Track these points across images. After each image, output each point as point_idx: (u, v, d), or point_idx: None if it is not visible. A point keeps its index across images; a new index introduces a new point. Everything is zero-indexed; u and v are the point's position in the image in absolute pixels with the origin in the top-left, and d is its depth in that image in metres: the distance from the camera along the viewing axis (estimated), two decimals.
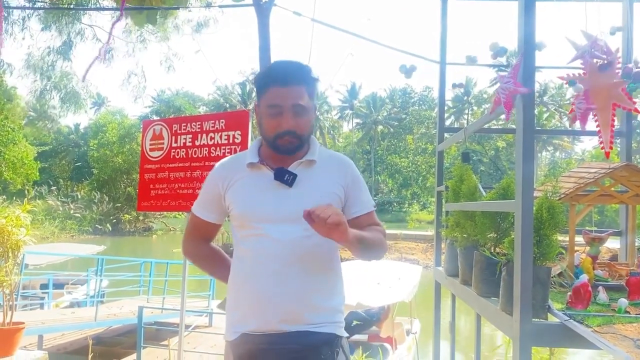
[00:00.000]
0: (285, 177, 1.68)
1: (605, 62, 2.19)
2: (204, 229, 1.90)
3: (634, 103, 2.20)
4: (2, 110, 31.24)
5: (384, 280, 7.47)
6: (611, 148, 2.18)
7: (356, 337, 7.42)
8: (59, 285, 10.74)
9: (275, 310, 1.63)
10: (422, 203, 53.04)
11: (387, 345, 7.30)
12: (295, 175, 1.68)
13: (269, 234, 1.66)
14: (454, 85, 3.16)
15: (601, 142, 2.18)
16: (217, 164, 1.86)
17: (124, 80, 14.10)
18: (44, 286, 10.77)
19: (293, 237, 1.65)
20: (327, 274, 1.72)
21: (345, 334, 1.76)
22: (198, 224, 1.89)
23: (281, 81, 1.65)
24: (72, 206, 38.57)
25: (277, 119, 1.66)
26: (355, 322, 7.37)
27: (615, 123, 2.21)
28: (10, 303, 5.51)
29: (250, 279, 1.68)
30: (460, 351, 8.86)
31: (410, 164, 56.48)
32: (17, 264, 5.55)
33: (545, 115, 48.25)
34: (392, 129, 59.90)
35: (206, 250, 1.94)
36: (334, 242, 1.58)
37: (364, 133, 61.62)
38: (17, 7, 11.72)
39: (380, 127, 60.67)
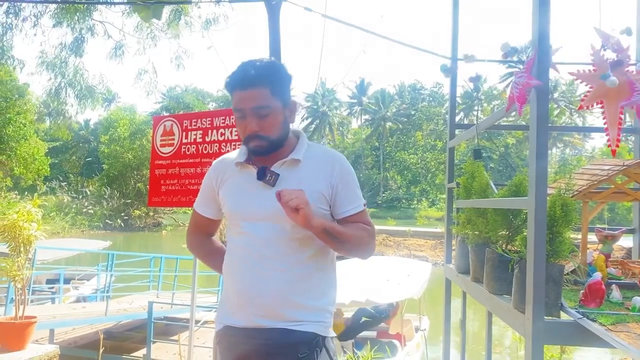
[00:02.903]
0: (267, 177, 1.68)
1: (616, 59, 2.17)
2: (203, 224, 1.95)
3: None
4: (14, 106, 31.47)
5: (393, 277, 7.46)
6: (617, 146, 2.17)
7: (365, 333, 7.42)
8: (65, 280, 10.81)
9: (254, 306, 1.66)
10: (431, 200, 52.87)
11: (395, 341, 7.29)
12: (277, 175, 1.68)
13: (251, 233, 1.69)
14: (471, 79, 3.13)
15: (608, 140, 2.17)
16: (214, 161, 1.91)
17: (136, 76, 14.12)
18: (50, 281, 10.85)
19: (274, 235, 1.67)
20: (312, 273, 1.70)
21: (332, 334, 1.74)
22: (198, 219, 1.95)
23: (241, 85, 1.65)
24: (84, 202, 38.85)
25: (242, 123, 1.68)
26: (364, 319, 7.37)
27: (628, 120, 2.19)
28: (22, 297, 5.56)
29: (234, 275, 1.74)
30: (469, 349, 8.83)
31: (419, 161, 56.33)
32: (28, 258, 5.59)
33: (556, 112, 47.91)
34: (401, 126, 59.75)
35: (207, 244, 1.99)
36: (321, 242, 1.63)
37: (373, 129, 61.51)
38: (27, 1, 11.80)
39: (389, 124, 60.54)
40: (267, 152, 1.70)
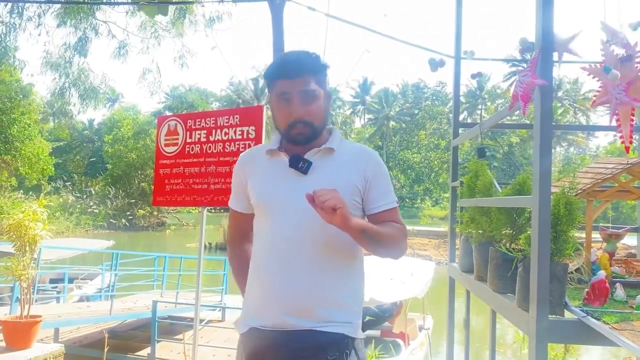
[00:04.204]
0: (299, 165, 1.63)
1: (626, 55, 2.16)
2: (239, 219, 1.86)
3: None
4: (19, 107, 31.57)
5: (397, 276, 7.46)
6: (631, 142, 2.15)
7: (369, 332, 7.42)
8: (68, 280, 10.83)
9: (282, 303, 1.59)
10: (434, 199, 52.86)
11: (399, 340, 7.29)
12: (310, 163, 1.64)
13: (280, 224, 1.63)
14: (473, 76, 3.12)
15: (621, 137, 2.15)
16: (241, 154, 1.87)
17: (140, 76, 14.19)
18: (53, 280, 10.88)
19: (305, 227, 1.60)
20: (342, 269, 1.64)
21: (361, 336, 1.68)
22: (233, 217, 1.88)
23: (287, 74, 1.63)
24: (89, 202, 38.93)
25: (287, 107, 1.63)
26: (367, 318, 7.37)
27: (634, 118, 2.18)
28: (28, 297, 5.59)
29: (260, 270, 1.67)
30: (473, 347, 8.81)
31: (422, 160, 56.28)
32: (33, 258, 5.62)
33: (559, 111, 47.79)
34: (404, 125, 59.69)
35: (248, 254, 1.81)
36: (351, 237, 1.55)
37: (376, 129, 61.47)
38: (31, 1, 11.83)
39: (392, 123, 60.48)
40: (308, 141, 1.66)
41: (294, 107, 1.62)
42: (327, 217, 1.46)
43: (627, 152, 2.18)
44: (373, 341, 6.96)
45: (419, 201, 53.63)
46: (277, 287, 1.60)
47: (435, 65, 3.38)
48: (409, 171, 57.49)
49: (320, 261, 1.61)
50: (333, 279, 1.62)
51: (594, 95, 2.18)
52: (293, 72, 1.63)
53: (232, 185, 1.86)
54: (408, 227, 1.80)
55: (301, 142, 1.66)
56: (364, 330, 7.44)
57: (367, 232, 1.55)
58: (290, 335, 1.59)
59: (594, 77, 2.14)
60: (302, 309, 1.58)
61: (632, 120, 2.13)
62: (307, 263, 1.60)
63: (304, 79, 1.63)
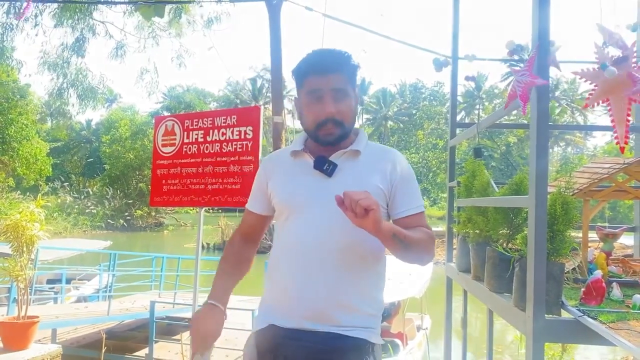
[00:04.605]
0: (324, 167, 1.59)
1: (621, 56, 2.16)
2: (251, 222, 1.83)
3: None
4: (16, 107, 31.51)
5: (395, 276, 7.45)
6: (626, 143, 2.15)
7: None
8: (66, 280, 10.81)
9: (301, 307, 1.56)
10: (432, 199, 52.87)
11: (397, 341, 7.29)
12: (335, 165, 1.59)
13: (302, 226, 1.59)
14: (467, 78, 3.13)
15: (616, 137, 2.15)
16: (263, 159, 1.86)
17: (137, 77, 14.20)
18: (50, 281, 10.87)
19: (328, 230, 1.55)
20: (364, 273, 1.59)
21: (380, 342, 1.64)
22: (246, 218, 1.84)
23: (319, 70, 1.59)
24: (87, 203, 38.88)
25: (317, 105, 1.59)
26: None
27: (630, 118, 2.18)
28: (25, 297, 5.58)
29: (280, 271, 1.64)
30: (470, 347, 8.83)
31: (420, 160, 56.33)
32: (31, 259, 5.61)
33: (557, 111, 47.87)
34: (402, 125, 59.75)
35: (244, 252, 1.82)
36: (375, 239, 1.48)
37: (374, 129, 61.49)
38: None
39: (390, 123, 60.52)
40: (336, 141, 1.61)
41: (324, 104, 1.58)
42: (357, 220, 1.38)
43: (622, 152, 2.18)
44: None
45: None
46: (298, 291, 1.57)
47: (439, 65, 3.37)
48: None
49: (342, 265, 1.57)
50: (356, 284, 1.58)
51: (587, 98, 2.18)
52: (325, 68, 1.59)
53: (252, 188, 1.82)
54: None
55: (330, 142, 1.62)
56: None
57: (398, 236, 1.48)
58: (309, 336, 1.56)
59: (586, 81, 2.13)
60: (322, 316, 1.55)
61: (628, 120, 2.13)
62: (330, 267, 1.56)
63: (335, 76, 1.58)
